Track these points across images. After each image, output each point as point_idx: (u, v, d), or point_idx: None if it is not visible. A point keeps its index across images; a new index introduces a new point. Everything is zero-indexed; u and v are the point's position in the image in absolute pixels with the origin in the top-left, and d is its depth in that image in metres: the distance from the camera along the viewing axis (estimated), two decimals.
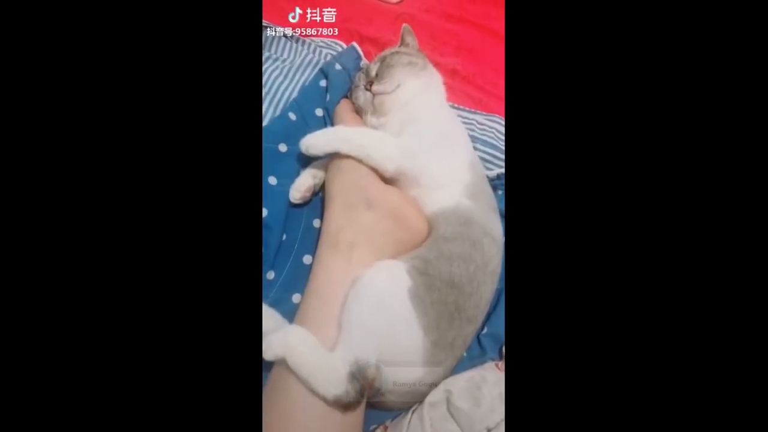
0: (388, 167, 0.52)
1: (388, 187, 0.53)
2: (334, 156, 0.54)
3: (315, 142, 0.54)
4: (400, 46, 0.66)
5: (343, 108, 0.63)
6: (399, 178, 0.53)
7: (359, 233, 0.49)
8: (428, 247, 0.49)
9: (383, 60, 0.61)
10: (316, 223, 0.58)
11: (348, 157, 0.53)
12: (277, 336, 0.42)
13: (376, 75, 0.60)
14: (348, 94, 0.66)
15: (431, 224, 0.52)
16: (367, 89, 0.60)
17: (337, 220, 0.50)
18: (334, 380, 0.40)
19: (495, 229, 0.53)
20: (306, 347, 0.41)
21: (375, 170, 0.53)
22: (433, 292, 0.45)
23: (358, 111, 0.63)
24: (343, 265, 0.47)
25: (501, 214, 0.58)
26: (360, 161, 0.52)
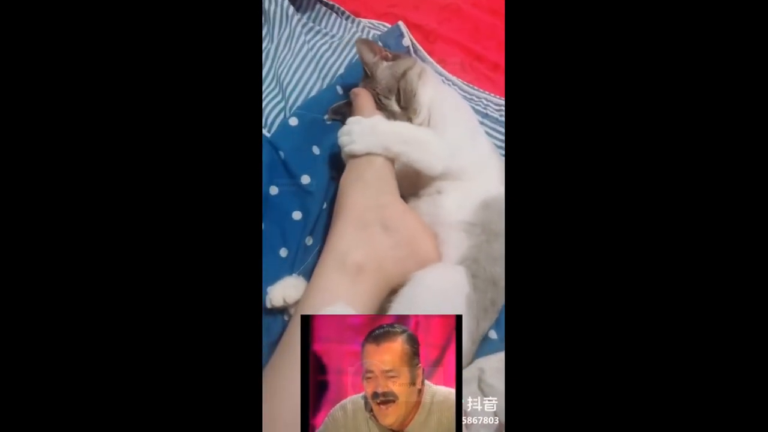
0: (437, 167, 0.50)
1: (407, 209, 0.50)
2: (354, 160, 0.50)
3: (359, 139, 0.48)
4: (393, 59, 0.60)
5: (365, 98, 0.55)
6: (442, 177, 0.52)
7: (370, 256, 0.45)
8: (478, 247, 0.48)
9: (398, 80, 0.55)
10: None
11: (374, 164, 0.49)
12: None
13: (402, 107, 0.55)
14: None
15: (484, 215, 0.50)
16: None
17: (348, 238, 0.46)
18: None
19: None
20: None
21: (420, 171, 0.50)
22: (479, 292, 0.46)
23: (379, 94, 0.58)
24: (348, 286, 0.43)
25: None
26: (409, 162, 0.49)
